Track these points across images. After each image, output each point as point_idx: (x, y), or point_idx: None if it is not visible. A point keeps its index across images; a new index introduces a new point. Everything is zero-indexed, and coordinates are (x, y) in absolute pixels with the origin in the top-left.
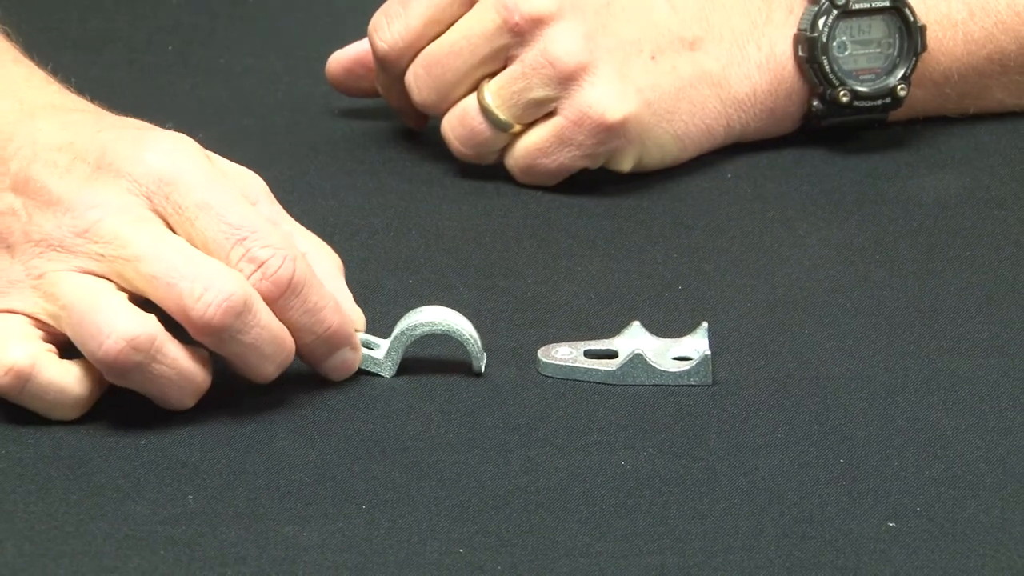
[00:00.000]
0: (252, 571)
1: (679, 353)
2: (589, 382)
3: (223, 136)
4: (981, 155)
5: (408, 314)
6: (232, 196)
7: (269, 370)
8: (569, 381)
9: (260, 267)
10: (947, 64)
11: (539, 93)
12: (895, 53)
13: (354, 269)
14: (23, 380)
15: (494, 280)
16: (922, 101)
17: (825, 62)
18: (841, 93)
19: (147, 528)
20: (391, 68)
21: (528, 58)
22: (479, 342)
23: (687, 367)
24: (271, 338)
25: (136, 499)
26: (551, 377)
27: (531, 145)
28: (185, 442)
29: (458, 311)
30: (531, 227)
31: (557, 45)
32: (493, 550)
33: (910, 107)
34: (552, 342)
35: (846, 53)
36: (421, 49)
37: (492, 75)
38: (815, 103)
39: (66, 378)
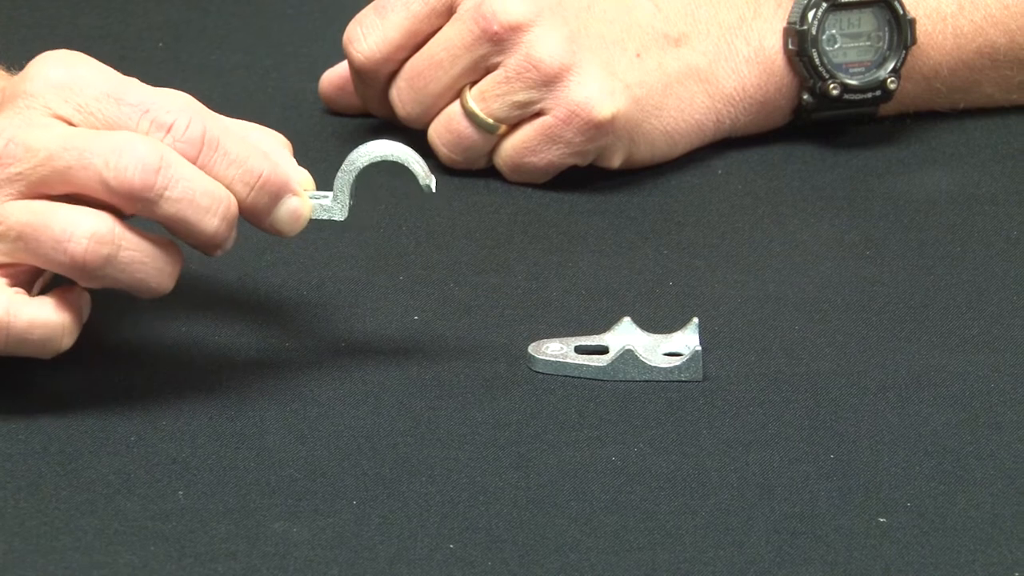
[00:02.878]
0: (243, 567)
1: (670, 349)
2: (580, 378)
3: None
4: (971, 151)
5: (349, 154)
6: (129, 82)
7: (214, 223)
8: (560, 377)
9: (169, 130)
10: (937, 58)
11: (523, 96)
12: (885, 46)
13: (343, 266)
14: (3, 331)
15: (484, 276)
16: (912, 95)
17: (815, 55)
18: (831, 86)
19: (137, 524)
20: (369, 79)
21: (511, 64)
22: (424, 164)
23: (678, 363)
24: (203, 190)
25: (126, 495)
26: (542, 373)
27: (519, 143)
28: (175, 438)
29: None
30: (521, 223)
31: (539, 48)
32: (483, 546)
33: (900, 101)
34: (543, 338)
35: (836, 46)
36: (399, 60)
37: (474, 84)
38: (805, 96)
39: (44, 312)
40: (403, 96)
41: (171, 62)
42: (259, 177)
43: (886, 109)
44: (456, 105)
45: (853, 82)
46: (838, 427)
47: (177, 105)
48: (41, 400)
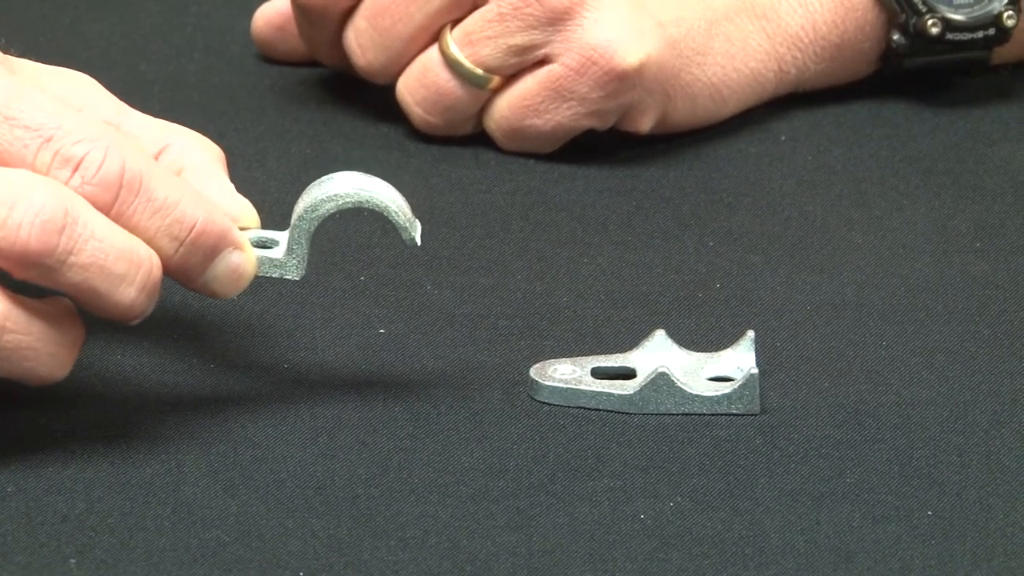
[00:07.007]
0: None
1: (717, 372)
2: (598, 410)
3: (113, 86)
4: None
5: (307, 189)
6: (21, 91)
7: (130, 294)
8: (572, 409)
9: (77, 168)
10: None
11: (522, 38)
12: None
13: None
14: None
15: (472, 276)
16: None
17: None
18: (930, 22)
19: None
20: (317, 16)
21: None
22: (407, 209)
23: (727, 390)
24: (118, 252)
25: (2, 564)
26: (548, 403)
27: (517, 101)
28: (65, 489)
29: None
30: (520, 206)
31: None
32: None
33: (1021, 43)
34: (549, 357)
35: None
36: None
37: (457, 23)
38: (895, 37)
39: None
40: (363, 39)
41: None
42: (191, 229)
43: (1002, 52)
44: (433, 51)
45: (958, 17)
46: (938, 474)
47: (88, 130)
48: None
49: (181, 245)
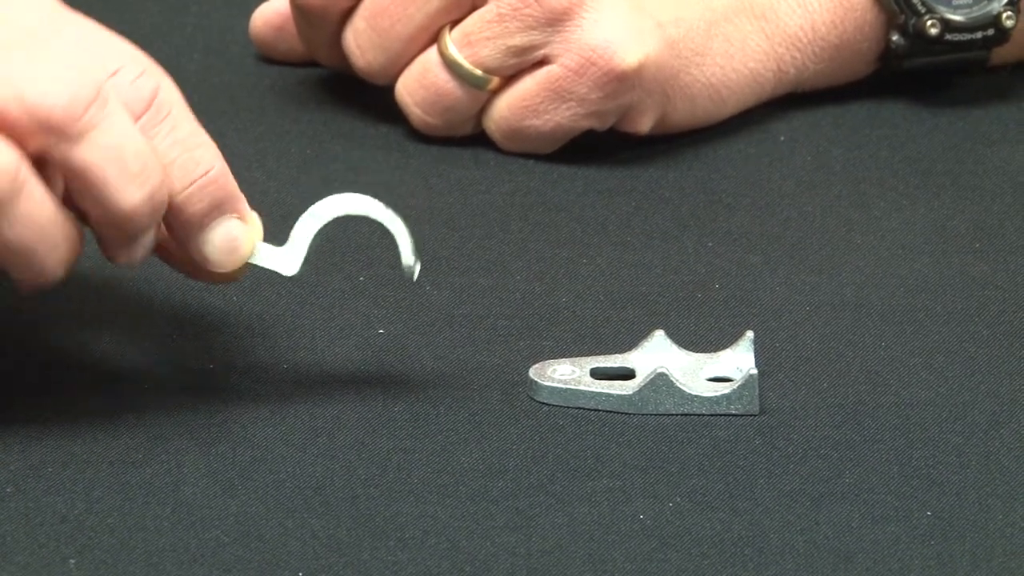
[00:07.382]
0: None
1: (716, 372)
2: (597, 410)
3: None
4: None
5: (316, 204)
6: (71, 15)
7: (137, 197)
8: (571, 409)
9: (115, 74)
10: None
11: (521, 39)
12: None
13: None
14: None
15: (472, 277)
16: None
17: None
18: (929, 23)
19: None
20: (316, 17)
21: None
22: (411, 240)
23: (726, 391)
24: (136, 150)
25: (2, 564)
26: (547, 403)
27: (517, 102)
28: (65, 489)
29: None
30: (520, 207)
31: None
32: None
33: (1020, 43)
34: (549, 358)
35: None
36: None
37: (456, 23)
38: (895, 37)
39: None
40: (362, 40)
41: None
42: (204, 173)
43: (1001, 53)
44: (433, 52)
45: (957, 18)
46: (937, 474)
47: (129, 52)
48: None
49: (191, 185)
